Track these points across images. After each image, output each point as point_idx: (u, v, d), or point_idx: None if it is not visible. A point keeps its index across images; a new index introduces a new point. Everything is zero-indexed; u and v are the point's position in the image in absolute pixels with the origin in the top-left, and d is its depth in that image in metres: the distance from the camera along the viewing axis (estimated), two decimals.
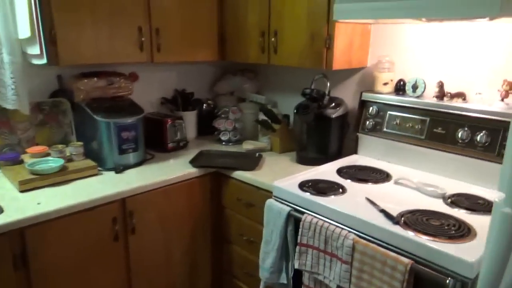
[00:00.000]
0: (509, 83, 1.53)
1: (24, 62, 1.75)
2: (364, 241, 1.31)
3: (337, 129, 2.01)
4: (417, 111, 1.79)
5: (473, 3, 1.20)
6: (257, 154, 2.14)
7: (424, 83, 1.77)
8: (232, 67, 2.65)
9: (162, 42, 2.01)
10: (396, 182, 1.69)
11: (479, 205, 1.47)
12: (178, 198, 1.88)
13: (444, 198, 1.54)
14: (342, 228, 1.38)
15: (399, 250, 1.25)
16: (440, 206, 1.48)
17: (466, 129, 1.63)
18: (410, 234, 1.25)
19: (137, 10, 1.90)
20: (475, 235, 1.26)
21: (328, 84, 1.98)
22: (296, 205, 1.55)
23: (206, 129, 2.53)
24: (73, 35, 1.70)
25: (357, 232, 1.35)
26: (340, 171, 1.81)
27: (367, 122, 1.95)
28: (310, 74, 2.22)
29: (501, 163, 1.52)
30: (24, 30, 1.66)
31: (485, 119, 1.58)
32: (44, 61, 1.69)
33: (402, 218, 1.35)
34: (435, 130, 1.73)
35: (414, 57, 1.85)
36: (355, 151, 2.04)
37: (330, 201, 1.49)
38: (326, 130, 2.00)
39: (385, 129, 1.89)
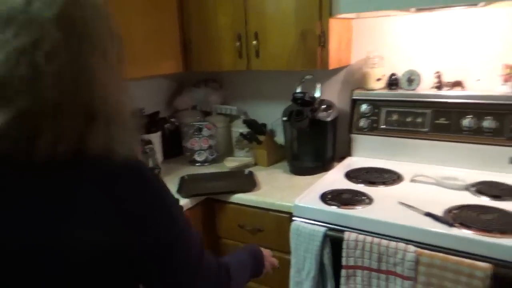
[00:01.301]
0: (510, 66, 1.55)
1: None
2: (429, 252, 1.18)
3: (332, 133, 1.88)
4: (416, 104, 1.74)
5: None
6: (246, 171, 1.91)
7: (420, 75, 1.73)
8: (190, 79, 2.37)
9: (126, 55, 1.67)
10: (412, 180, 1.61)
11: (504, 191, 1.45)
12: None
13: (468, 188, 1.50)
14: (397, 241, 1.23)
15: (468, 255, 1.15)
16: (471, 198, 1.43)
17: (471, 117, 1.62)
18: (474, 234, 1.16)
19: None
20: None
21: (319, 86, 1.84)
22: (331, 224, 1.37)
23: (172, 151, 2.22)
24: None
25: (416, 243, 1.22)
26: (349, 176, 1.68)
27: (361, 122, 1.86)
28: (284, 78, 2.07)
29: (510, 146, 1.54)
30: None
31: (491, 104, 1.58)
32: None
33: (452, 218, 1.26)
34: (437, 121, 1.69)
35: (403, 50, 1.80)
36: (349, 154, 1.93)
37: (368, 213, 1.34)
38: (322, 135, 1.85)
39: (382, 126, 1.81)
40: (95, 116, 0.59)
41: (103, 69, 0.60)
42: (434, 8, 1.60)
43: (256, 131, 1.98)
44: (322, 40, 1.64)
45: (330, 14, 1.60)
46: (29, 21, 0.53)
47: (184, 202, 1.62)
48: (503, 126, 1.57)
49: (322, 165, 1.87)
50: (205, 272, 0.74)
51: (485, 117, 1.59)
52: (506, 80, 1.56)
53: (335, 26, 1.67)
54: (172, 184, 1.77)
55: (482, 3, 1.40)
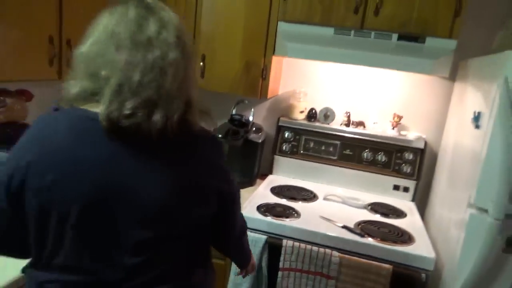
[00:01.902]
0: (398, 116, 2.04)
1: None
2: (349, 256, 1.51)
3: (260, 152, 2.14)
4: (329, 136, 2.12)
5: (411, 63, 1.61)
6: None
7: (334, 112, 2.12)
8: None
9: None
10: (325, 198, 1.96)
11: (390, 211, 1.91)
12: None
13: (366, 207, 1.92)
14: (325, 248, 1.54)
15: (375, 259, 1.52)
16: (368, 215, 1.83)
17: (368, 151, 2.07)
18: (379, 243, 1.54)
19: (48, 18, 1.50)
20: (413, 237, 1.64)
21: (253, 110, 2.08)
22: (270, 232, 1.61)
23: None
24: None
25: (337, 249, 1.54)
26: (275, 192, 1.95)
27: (284, 145, 2.16)
28: (220, 100, 2.25)
29: (394, 176, 2.03)
30: None
31: (383, 143, 2.05)
32: None
33: (362, 230, 1.63)
34: (344, 152, 2.10)
35: (323, 90, 2.17)
36: (270, 172, 2.21)
37: (300, 224, 1.62)
38: (252, 154, 2.09)
39: (301, 151, 2.15)
40: (191, 102, 0.86)
41: (193, 73, 0.90)
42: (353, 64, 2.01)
43: None
44: (264, 73, 1.89)
45: (274, 53, 1.87)
46: (160, 43, 0.81)
47: None
48: (391, 161, 2.05)
49: (249, 180, 2.10)
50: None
51: (379, 152, 2.05)
52: (394, 126, 2.05)
53: (273, 61, 1.94)
54: None
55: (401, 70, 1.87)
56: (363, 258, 1.52)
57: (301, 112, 2.15)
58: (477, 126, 1.40)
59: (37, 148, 0.79)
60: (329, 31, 1.79)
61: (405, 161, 2.03)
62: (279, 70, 2.16)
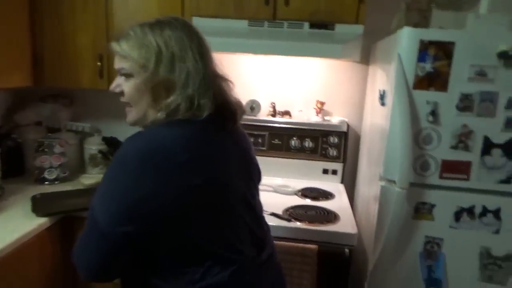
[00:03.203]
0: (320, 102, 2.11)
1: None
2: (277, 242, 1.53)
3: None
4: (258, 128, 2.14)
5: (322, 49, 1.66)
6: None
7: (260, 104, 2.15)
8: (34, 94, 2.23)
9: None
10: None
11: (320, 194, 1.97)
12: (27, 265, 1.50)
13: (297, 193, 1.96)
14: None
15: (302, 241, 1.55)
16: (299, 200, 1.88)
17: (296, 138, 2.12)
18: (305, 225, 1.58)
19: None
20: (339, 216, 1.70)
21: None
22: None
23: (13, 169, 2.04)
24: None
25: None
26: None
27: None
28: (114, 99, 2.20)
29: (322, 160, 2.10)
30: None
31: (309, 130, 2.11)
32: None
33: (289, 215, 1.66)
34: (273, 141, 2.14)
35: (248, 82, 2.19)
36: None
37: None
38: None
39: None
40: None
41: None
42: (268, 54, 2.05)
43: (116, 148, 2.03)
44: None
45: None
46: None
47: (41, 221, 1.57)
48: (317, 146, 2.11)
49: None
50: None
51: (305, 139, 2.11)
52: (318, 112, 2.11)
53: None
54: (21, 205, 1.68)
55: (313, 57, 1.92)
56: (290, 241, 1.55)
57: None
58: (383, 104, 1.48)
59: None
60: (243, 23, 1.81)
61: (330, 145, 2.10)
62: None
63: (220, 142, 0.94)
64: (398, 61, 1.29)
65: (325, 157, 2.11)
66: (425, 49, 1.25)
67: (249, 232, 0.98)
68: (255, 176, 1.13)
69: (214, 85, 0.94)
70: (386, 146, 1.35)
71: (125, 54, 0.91)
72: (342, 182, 2.14)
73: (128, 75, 0.93)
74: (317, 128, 2.11)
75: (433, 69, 1.25)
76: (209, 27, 1.81)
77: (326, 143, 2.11)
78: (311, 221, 1.62)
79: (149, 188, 0.80)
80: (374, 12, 1.92)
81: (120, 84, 0.95)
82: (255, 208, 1.05)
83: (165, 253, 0.87)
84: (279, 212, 1.69)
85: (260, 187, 1.95)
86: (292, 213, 1.70)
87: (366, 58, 2.02)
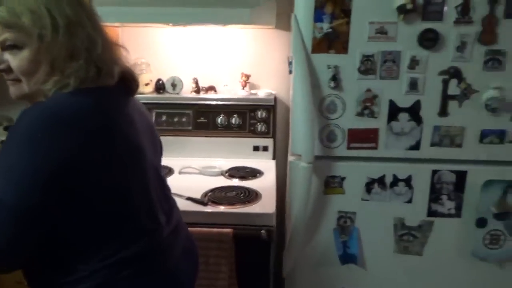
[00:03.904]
0: (245, 75, 1.97)
1: None
2: (190, 229, 1.42)
3: None
4: (181, 106, 1.99)
5: (229, 15, 1.51)
6: None
7: (181, 81, 1.99)
8: None
9: None
10: (180, 172, 1.86)
11: (247, 173, 1.86)
12: None
13: (223, 174, 1.85)
14: None
15: (217, 225, 1.45)
16: (224, 181, 1.77)
17: (222, 115, 1.98)
18: (221, 208, 1.47)
19: None
20: (260, 195, 1.60)
21: None
22: None
23: None
24: None
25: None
26: None
27: None
28: None
29: (251, 137, 1.99)
30: None
31: (235, 105, 1.98)
32: None
33: (207, 199, 1.55)
34: (198, 120, 2.00)
35: (167, 58, 2.03)
36: None
37: None
38: None
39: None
40: None
41: None
42: (187, 24, 1.88)
43: None
44: None
45: None
46: None
47: None
48: (245, 122, 1.98)
49: None
50: None
51: (233, 115, 1.98)
52: (244, 86, 1.98)
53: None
54: None
55: (221, 24, 1.76)
56: (207, 227, 1.44)
57: (147, 84, 1.99)
58: (290, 72, 1.36)
59: None
60: None
61: (259, 120, 1.98)
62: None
63: (129, 111, 0.92)
64: (295, 23, 1.17)
65: (254, 133, 1.99)
66: (321, 7, 1.12)
67: (159, 200, 0.98)
68: (159, 148, 1.12)
69: (115, 51, 0.90)
70: (291, 118, 1.24)
71: (11, 22, 0.79)
72: (274, 158, 2.03)
73: (16, 47, 0.81)
74: (244, 103, 1.97)
75: (331, 29, 1.13)
76: None
77: (254, 118, 1.98)
78: (230, 203, 1.51)
79: (61, 157, 0.75)
80: None
81: (5, 59, 0.83)
82: (163, 179, 1.08)
83: (80, 227, 0.82)
84: (198, 196, 1.58)
85: (185, 169, 1.84)
86: (211, 196, 1.58)
87: (288, 23, 1.88)
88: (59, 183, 0.75)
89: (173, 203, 1.11)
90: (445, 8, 1.10)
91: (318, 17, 1.13)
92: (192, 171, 1.86)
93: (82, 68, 0.81)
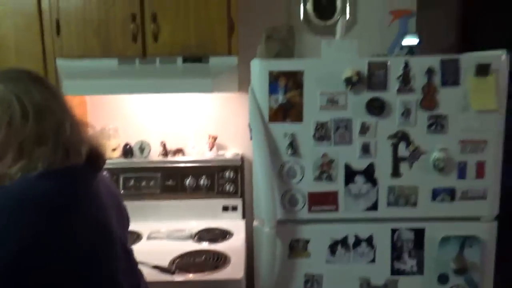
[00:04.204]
0: (213, 136, 2.03)
1: None
2: None
3: None
4: (149, 170, 2.00)
5: (194, 84, 1.58)
6: None
7: (149, 144, 2.02)
8: None
9: None
10: (149, 238, 1.83)
11: (217, 234, 1.85)
12: None
13: (192, 237, 1.83)
14: None
15: None
16: (193, 245, 1.74)
17: (191, 177, 2.00)
18: (189, 276, 1.44)
19: None
20: (230, 259, 1.59)
21: None
22: None
23: None
24: None
25: None
26: None
27: None
28: None
29: (220, 198, 2.00)
30: None
31: (203, 167, 2.01)
32: None
33: (175, 266, 1.52)
34: (167, 183, 2.00)
35: (135, 122, 2.06)
36: None
37: None
38: None
39: (122, 192, 1.99)
40: None
41: None
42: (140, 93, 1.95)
43: None
44: None
45: None
46: None
47: None
48: (214, 183, 2.00)
49: None
50: None
51: (201, 177, 2.00)
52: (211, 147, 2.02)
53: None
54: None
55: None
56: None
57: (114, 150, 2.00)
58: (251, 138, 1.41)
59: None
60: (112, 62, 1.70)
61: (227, 181, 2.00)
62: (82, 111, 2.00)
63: (96, 188, 0.93)
64: (252, 95, 1.24)
65: (223, 193, 2.01)
66: (275, 80, 1.20)
67: (125, 276, 0.96)
68: (126, 220, 1.12)
69: (82, 131, 0.93)
70: (253, 184, 1.28)
71: None
72: (243, 217, 2.04)
73: None
74: (212, 164, 2.01)
75: (285, 100, 1.20)
76: (75, 68, 1.69)
77: (222, 179, 2.01)
78: (198, 270, 1.48)
79: (23, 243, 0.75)
80: (251, 41, 1.89)
81: None
82: (130, 252, 1.06)
83: None
84: (166, 263, 1.55)
85: (154, 234, 1.81)
86: (179, 263, 1.55)
87: None
88: (20, 267, 0.74)
89: (140, 276, 1.09)
90: (388, 79, 1.20)
91: (273, 90, 1.21)
92: (161, 235, 1.83)
93: (50, 151, 0.83)
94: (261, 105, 1.22)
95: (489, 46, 1.30)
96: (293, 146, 1.21)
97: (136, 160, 2.01)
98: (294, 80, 1.20)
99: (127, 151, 2.03)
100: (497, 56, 1.25)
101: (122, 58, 1.69)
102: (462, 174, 1.26)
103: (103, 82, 1.69)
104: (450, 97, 1.25)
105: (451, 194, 1.25)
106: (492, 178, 1.29)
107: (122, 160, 2.01)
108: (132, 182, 2.00)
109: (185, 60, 1.71)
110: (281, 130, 1.23)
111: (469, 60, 1.25)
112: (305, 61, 1.22)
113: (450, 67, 1.22)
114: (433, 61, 1.24)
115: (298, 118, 1.21)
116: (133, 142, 2.03)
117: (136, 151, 2.03)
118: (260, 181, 1.22)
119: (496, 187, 1.31)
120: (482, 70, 1.22)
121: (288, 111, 1.21)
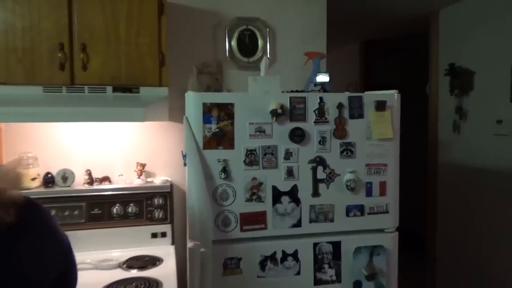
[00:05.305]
0: (141, 164, 2.05)
1: None
2: None
3: None
4: (72, 199, 1.94)
5: (125, 113, 1.62)
6: None
7: (73, 173, 1.97)
8: None
9: None
10: None
11: (147, 261, 1.85)
12: None
13: (121, 266, 1.81)
14: None
15: None
16: (122, 274, 1.73)
17: (118, 205, 1.98)
18: None
19: None
20: (161, 284, 1.61)
21: None
22: None
23: None
24: None
25: None
26: None
27: None
28: None
29: (149, 225, 2.01)
30: None
31: (131, 194, 2.01)
32: None
33: None
34: (92, 212, 1.96)
35: (56, 151, 2.00)
36: None
37: None
38: None
39: None
40: None
41: None
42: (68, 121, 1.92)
43: None
44: None
45: None
46: None
47: None
48: (142, 210, 2.01)
49: None
50: None
51: (129, 204, 1.99)
52: (139, 175, 2.04)
53: None
54: None
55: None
56: None
57: (33, 179, 1.91)
58: (185, 164, 1.49)
59: None
60: (37, 90, 1.66)
61: (156, 207, 2.02)
62: None
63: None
64: (187, 124, 1.33)
65: (152, 220, 2.02)
66: (209, 111, 1.32)
67: None
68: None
69: None
70: (187, 206, 1.35)
71: None
72: (173, 243, 2.06)
73: None
74: (140, 192, 2.01)
75: (218, 129, 1.32)
76: None
77: (151, 206, 2.02)
78: None
79: None
80: (183, 73, 1.99)
81: None
82: None
83: None
84: None
85: (80, 265, 1.74)
86: None
87: (180, 117, 2.06)
88: None
89: None
90: (307, 112, 1.40)
91: (206, 119, 1.32)
92: (87, 266, 1.78)
93: None
94: (196, 134, 1.32)
95: (383, 82, 1.59)
96: (225, 170, 1.32)
97: (59, 189, 1.94)
98: (226, 111, 1.33)
99: (48, 180, 1.95)
100: (391, 95, 1.54)
101: (47, 86, 1.67)
102: (369, 193, 1.49)
103: (26, 109, 1.64)
104: (357, 127, 1.49)
105: (361, 210, 1.47)
106: (392, 195, 1.55)
107: (42, 190, 1.93)
108: (54, 212, 1.91)
109: (115, 90, 1.74)
110: (215, 156, 1.33)
111: (370, 97, 1.51)
112: (235, 95, 1.36)
113: (356, 103, 1.46)
114: (342, 97, 1.48)
115: (230, 145, 1.33)
116: (55, 170, 1.97)
117: (58, 180, 1.96)
118: (195, 204, 1.31)
119: (395, 203, 1.56)
120: (380, 106, 1.48)
121: (220, 139, 1.33)
